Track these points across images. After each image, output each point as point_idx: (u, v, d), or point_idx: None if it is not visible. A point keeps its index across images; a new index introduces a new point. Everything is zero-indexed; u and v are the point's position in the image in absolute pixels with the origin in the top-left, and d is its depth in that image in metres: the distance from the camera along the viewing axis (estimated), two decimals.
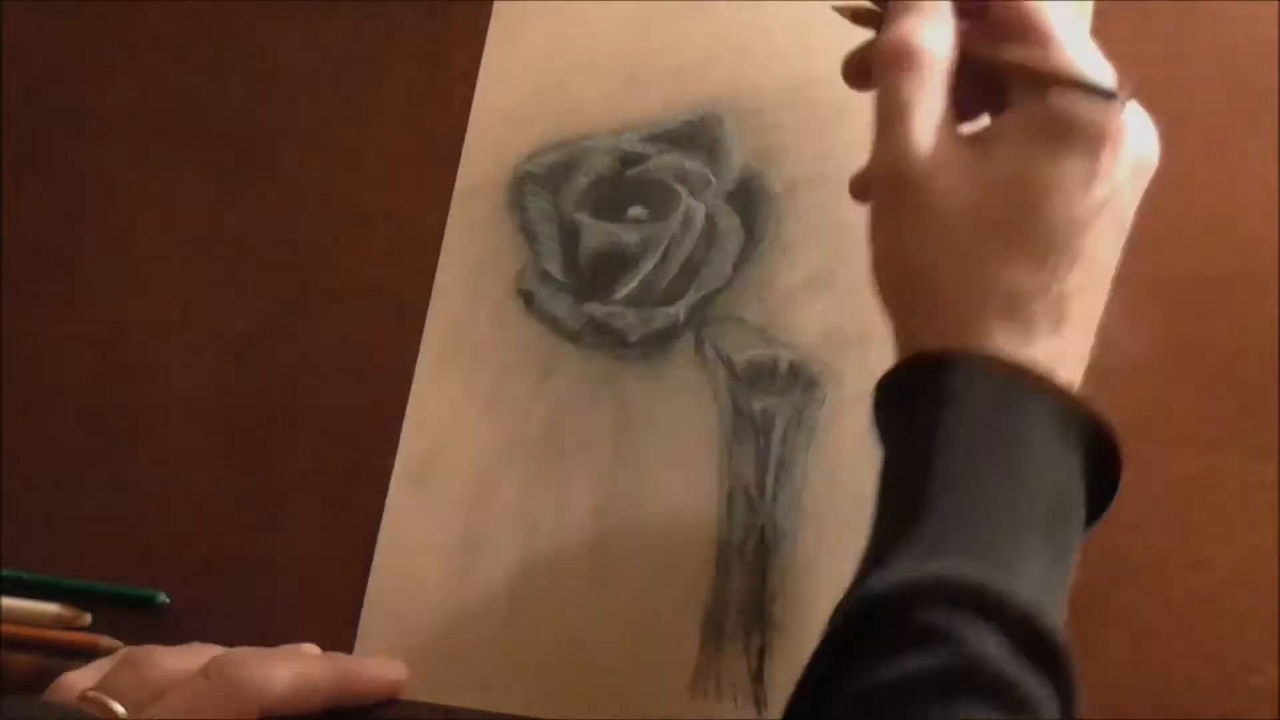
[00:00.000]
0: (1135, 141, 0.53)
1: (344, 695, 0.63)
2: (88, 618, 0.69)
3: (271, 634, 0.66)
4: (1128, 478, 0.58)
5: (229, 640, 0.66)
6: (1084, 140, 0.52)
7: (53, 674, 0.66)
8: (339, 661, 0.65)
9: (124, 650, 0.63)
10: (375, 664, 0.65)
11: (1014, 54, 0.55)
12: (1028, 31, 0.54)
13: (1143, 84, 0.65)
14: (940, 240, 0.53)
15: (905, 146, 0.53)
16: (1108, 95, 0.52)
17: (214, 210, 0.75)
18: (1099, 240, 0.52)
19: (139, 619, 0.69)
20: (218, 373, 0.72)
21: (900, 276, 0.55)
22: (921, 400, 0.51)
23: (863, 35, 0.59)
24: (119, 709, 0.58)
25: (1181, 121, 0.64)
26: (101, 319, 0.74)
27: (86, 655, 0.68)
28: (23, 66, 0.79)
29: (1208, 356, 0.63)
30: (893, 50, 0.54)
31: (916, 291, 0.54)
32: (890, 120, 0.54)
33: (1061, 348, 0.52)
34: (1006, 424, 0.50)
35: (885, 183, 0.55)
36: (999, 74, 0.55)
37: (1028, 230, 0.52)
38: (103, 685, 0.60)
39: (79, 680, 0.61)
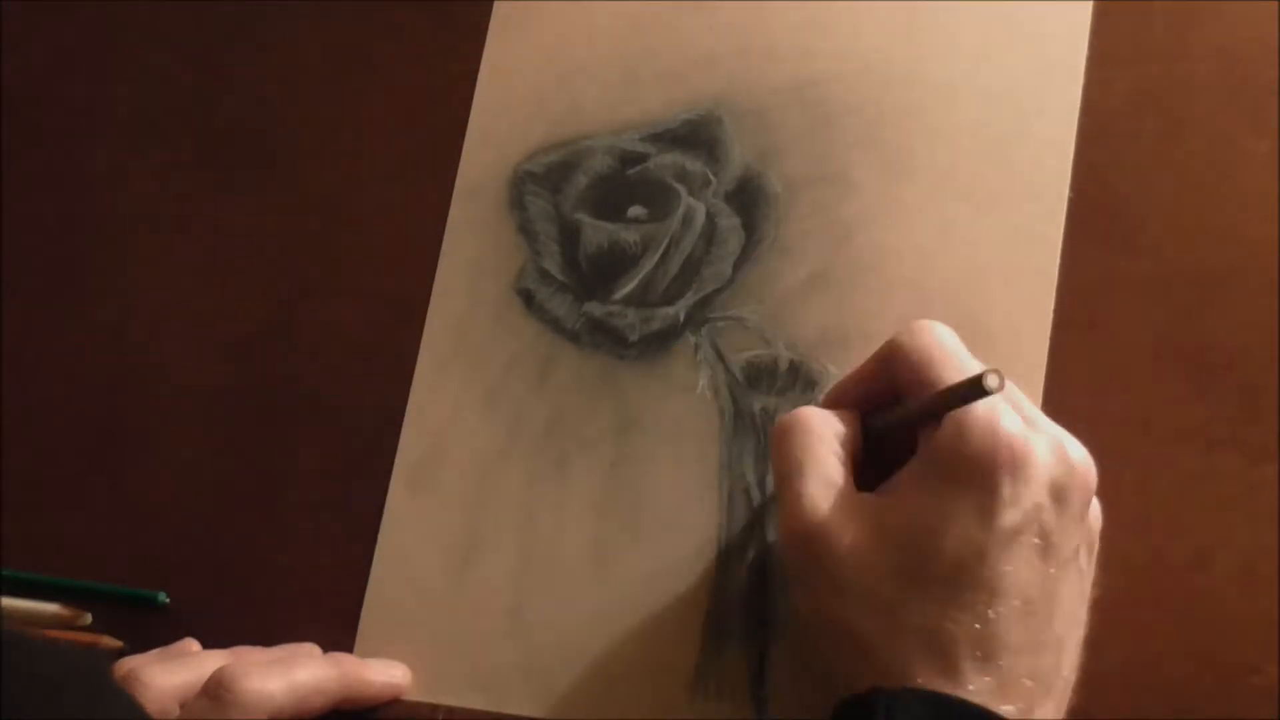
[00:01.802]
0: (1047, 464, 0.53)
1: (347, 697, 0.64)
2: (88, 617, 0.69)
3: (271, 634, 0.66)
4: (1128, 477, 0.58)
5: (229, 640, 0.66)
6: (974, 474, 0.53)
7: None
8: (341, 664, 0.65)
9: (117, 670, 0.63)
10: (377, 666, 0.65)
11: (893, 412, 0.58)
12: (918, 382, 0.56)
13: (1143, 84, 0.66)
14: (851, 592, 0.54)
15: (802, 507, 0.56)
16: (978, 392, 0.52)
17: (214, 210, 0.75)
18: (1018, 569, 0.52)
19: (139, 619, 0.69)
20: (218, 373, 0.72)
21: (823, 629, 0.56)
22: None
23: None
24: None
25: (1181, 121, 0.65)
26: (102, 320, 0.74)
27: None
28: (23, 66, 0.79)
29: (1208, 356, 0.63)
30: (783, 424, 0.58)
31: (841, 642, 0.55)
32: (784, 484, 0.57)
33: (999, 681, 0.52)
34: None
35: (787, 541, 0.57)
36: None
37: (930, 572, 0.53)
38: None
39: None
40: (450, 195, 0.72)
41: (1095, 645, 0.58)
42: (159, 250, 0.75)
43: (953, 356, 0.56)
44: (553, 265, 0.70)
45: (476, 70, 0.73)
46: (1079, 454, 0.54)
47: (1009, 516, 0.52)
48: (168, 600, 0.69)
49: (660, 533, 0.65)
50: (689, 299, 0.68)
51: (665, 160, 0.70)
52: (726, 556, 0.65)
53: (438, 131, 0.73)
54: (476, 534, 0.67)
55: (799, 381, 0.65)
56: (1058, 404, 0.62)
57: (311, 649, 0.66)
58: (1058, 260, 0.64)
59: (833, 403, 0.61)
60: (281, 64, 0.76)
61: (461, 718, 0.65)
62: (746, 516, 0.65)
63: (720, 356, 0.67)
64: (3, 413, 0.73)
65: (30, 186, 0.77)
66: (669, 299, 0.68)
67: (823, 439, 0.57)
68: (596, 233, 0.70)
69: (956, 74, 0.67)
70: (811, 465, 0.57)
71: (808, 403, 0.65)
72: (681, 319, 0.68)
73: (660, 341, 0.68)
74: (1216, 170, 0.64)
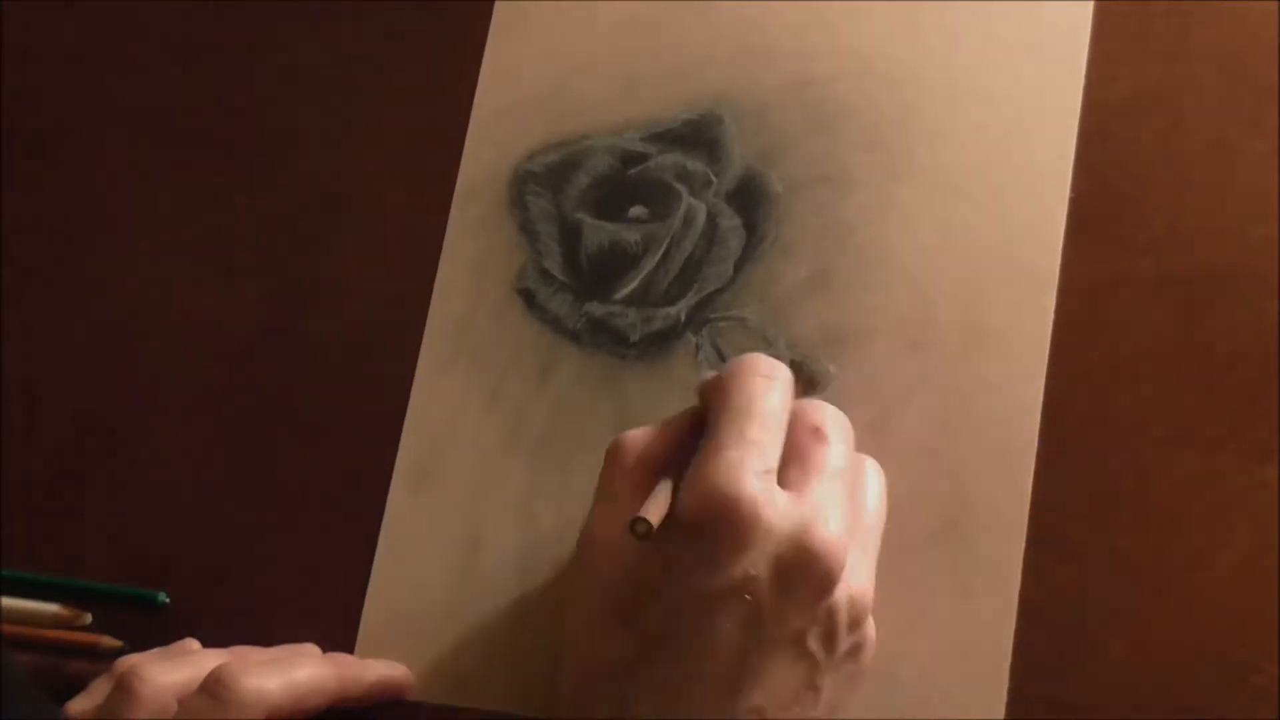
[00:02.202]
0: (774, 542, 0.53)
1: (346, 697, 0.64)
2: (88, 617, 0.69)
3: (272, 634, 0.66)
4: (1128, 477, 0.58)
5: (229, 640, 0.66)
6: (697, 528, 0.53)
7: (53, 674, 0.66)
8: (341, 663, 0.65)
9: (116, 668, 0.63)
10: (376, 666, 0.65)
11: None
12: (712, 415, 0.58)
13: (1143, 84, 0.66)
14: (580, 602, 0.57)
15: (590, 521, 0.59)
16: (635, 521, 0.53)
17: (214, 210, 0.75)
18: (716, 630, 0.53)
19: (139, 619, 0.69)
20: (218, 372, 0.72)
21: (561, 632, 0.59)
22: None
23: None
24: None
25: (1181, 121, 0.65)
26: (101, 319, 0.74)
27: (87, 655, 0.68)
28: (23, 66, 0.79)
29: (1208, 356, 0.63)
30: (610, 446, 0.60)
31: (563, 652, 0.59)
32: (595, 498, 0.59)
33: None
34: None
35: (578, 544, 0.59)
36: None
37: (638, 613, 0.54)
38: (100, 716, 0.60)
39: (74, 705, 0.61)
40: (451, 195, 0.72)
41: (1095, 645, 0.58)
42: (159, 250, 0.74)
43: (743, 409, 0.57)
44: (553, 265, 0.70)
45: (477, 70, 0.73)
46: (826, 541, 0.54)
47: (715, 581, 0.53)
48: (168, 600, 0.69)
49: None
50: (690, 299, 0.68)
51: (666, 160, 0.70)
52: None
53: (438, 131, 0.73)
54: (477, 534, 0.67)
55: (800, 381, 0.65)
56: (1058, 404, 0.62)
57: (311, 649, 0.66)
58: (1058, 260, 0.64)
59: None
60: (282, 64, 0.76)
61: (461, 718, 0.65)
62: None
63: (721, 356, 0.67)
64: (2, 413, 0.73)
65: (30, 186, 0.76)
66: (670, 299, 0.68)
67: (625, 465, 0.58)
68: (597, 233, 0.70)
69: (957, 74, 0.67)
70: (607, 489, 0.58)
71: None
72: (682, 319, 0.68)
73: (661, 341, 0.68)
74: (1216, 170, 0.64)
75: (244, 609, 0.69)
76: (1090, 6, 0.67)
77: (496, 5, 0.74)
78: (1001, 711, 0.59)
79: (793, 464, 0.57)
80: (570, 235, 0.70)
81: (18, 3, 0.79)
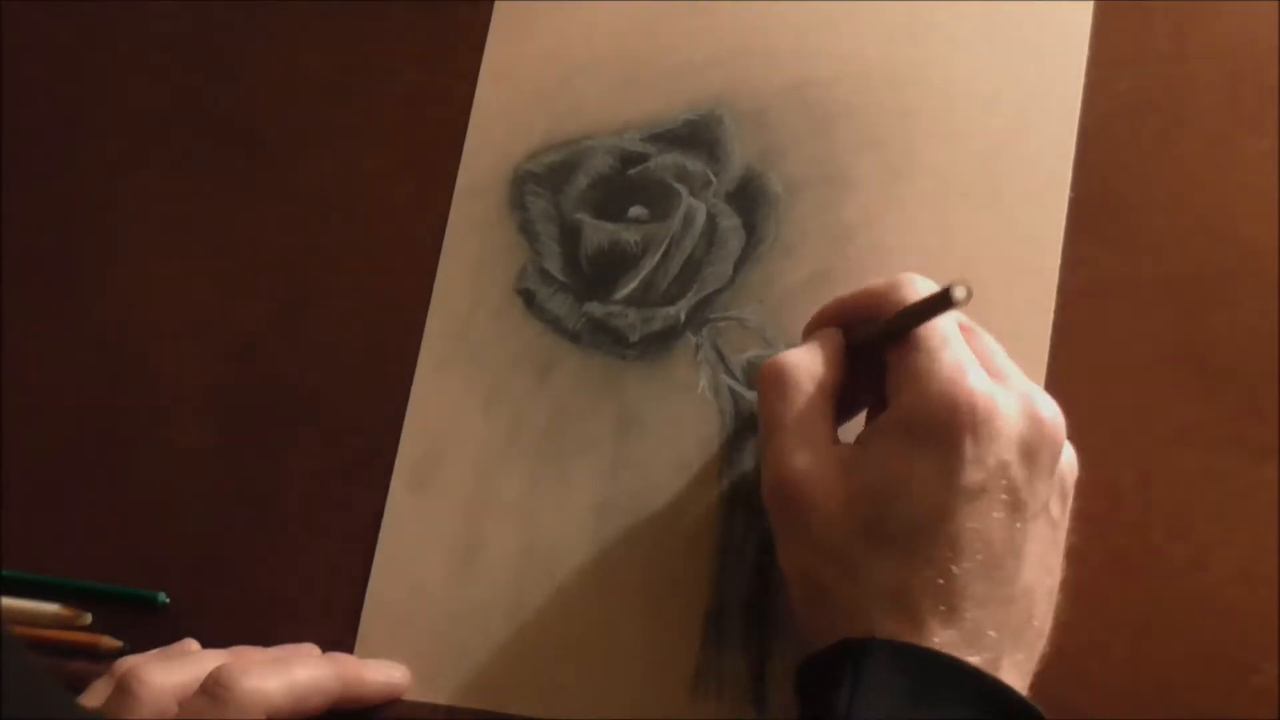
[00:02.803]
0: (1014, 421, 0.54)
1: (346, 697, 0.64)
2: (88, 617, 0.69)
3: (271, 634, 0.66)
4: (1128, 477, 0.58)
5: (229, 640, 0.66)
6: (938, 432, 0.53)
7: (53, 674, 0.66)
8: (341, 663, 0.64)
9: (116, 669, 0.63)
10: (377, 666, 0.65)
11: (867, 328, 0.58)
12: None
13: (1143, 84, 0.66)
14: (819, 545, 0.55)
15: (780, 462, 0.56)
16: (945, 304, 0.52)
17: (214, 210, 0.75)
18: (982, 525, 0.53)
19: (139, 619, 0.69)
20: (218, 373, 0.72)
21: (798, 583, 0.57)
22: (833, 691, 0.52)
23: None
24: None
25: (1181, 121, 0.65)
26: (101, 320, 0.74)
27: (86, 655, 0.68)
28: (23, 66, 0.79)
29: (1208, 356, 0.63)
30: (765, 373, 0.58)
31: (813, 597, 0.56)
32: (767, 437, 0.57)
33: (965, 633, 0.52)
34: (921, 711, 0.51)
35: (768, 495, 0.58)
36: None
37: (894, 530, 0.53)
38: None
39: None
40: (451, 195, 0.72)
41: (1095, 645, 0.58)
42: (159, 250, 0.75)
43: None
44: (553, 265, 0.70)
45: (477, 70, 0.73)
46: (1049, 409, 0.55)
47: (972, 475, 0.52)
48: (168, 600, 0.69)
49: (660, 533, 0.65)
50: (690, 299, 0.68)
51: (666, 160, 0.70)
52: (726, 556, 0.65)
53: (438, 132, 0.73)
54: (477, 534, 0.67)
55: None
56: (1058, 404, 0.62)
57: (310, 649, 0.66)
58: (1058, 260, 0.64)
59: (817, 321, 0.61)
60: (282, 64, 0.76)
61: (462, 718, 0.65)
62: (746, 516, 0.65)
63: (721, 357, 0.67)
64: (3, 413, 0.73)
65: (30, 186, 0.76)
66: (670, 299, 0.68)
67: (802, 389, 0.57)
68: (597, 233, 0.70)
69: (957, 74, 0.67)
70: (791, 419, 0.57)
71: None
72: (682, 319, 0.68)
73: (661, 342, 0.68)
74: (1216, 170, 0.64)
75: (244, 609, 0.69)
76: (1090, 6, 0.67)
77: (496, 6, 0.74)
78: None
79: None
80: (570, 235, 0.70)
81: (18, 3, 0.79)
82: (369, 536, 0.68)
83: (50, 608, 0.69)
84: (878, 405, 0.58)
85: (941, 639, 0.52)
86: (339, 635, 0.67)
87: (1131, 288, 0.64)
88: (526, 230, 0.71)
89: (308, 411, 0.71)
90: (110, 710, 0.60)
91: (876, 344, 0.57)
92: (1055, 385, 0.63)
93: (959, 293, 0.51)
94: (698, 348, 0.67)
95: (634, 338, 0.68)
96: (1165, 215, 0.64)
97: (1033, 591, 0.54)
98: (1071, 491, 0.57)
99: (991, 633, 0.52)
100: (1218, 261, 0.64)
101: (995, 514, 0.53)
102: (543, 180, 0.71)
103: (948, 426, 0.53)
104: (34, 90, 0.78)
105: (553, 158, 0.71)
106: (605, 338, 0.68)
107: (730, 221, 0.68)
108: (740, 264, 0.68)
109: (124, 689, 0.61)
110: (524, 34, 0.73)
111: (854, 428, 0.60)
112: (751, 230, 0.68)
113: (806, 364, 0.58)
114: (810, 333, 0.61)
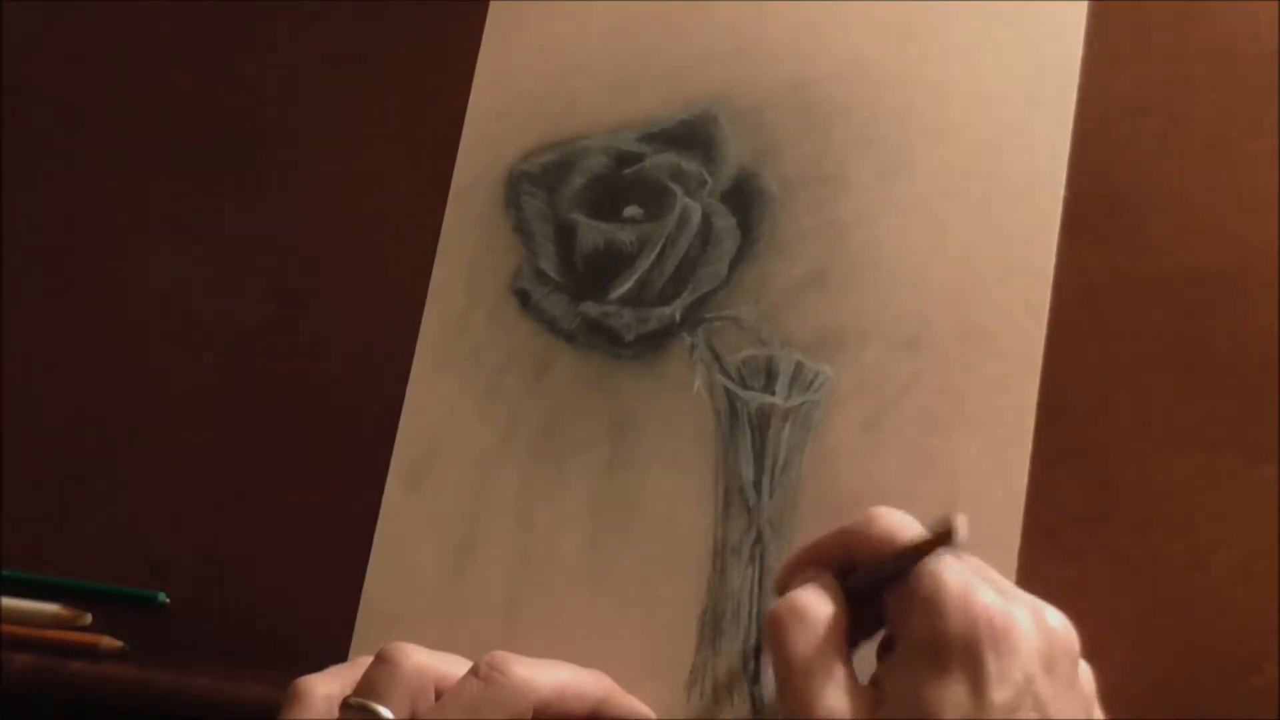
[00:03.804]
0: (1029, 632, 0.52)
1: (605, 711, 0.63)
2: (88, 618, 0.69)
3: (271, 633, 0.67)
4: (1128, 477, 0.58)
5: (229, 640, 0.66)
6: (957, 653, 0.52)
7: (53, 674, 0.67)
8: (603, 679, 0.63)
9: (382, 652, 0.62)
10: (634, 700, 0.64)
11: (866, 573, 0.57)
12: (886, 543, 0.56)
13: (1143, 84, 0.66)
14: None
15: (810, 705, 0.54)
16: (946, 539, 0.52)
17: (213, 210, 0.75)
18: None
19: (139, 619, 0.69)
20: (216, 373, 0.72)
21: None
22: None
23: None
24: (386, 712, 0.58)
25: (1181, 121, 0.65)
26: (101, 319, 0.74)
27: (87, 655, 0.68)
28: (23, 66, 0.79)
29: (1208, 356, 0.62)
30: (782, 614, 0.56)
31: None
32: (789, 680, 0.55)
33: None
34: None
35: None
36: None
37: None
38: (362, 690, 0.59)
39: (323, 686, 0.60)
40: (446, 195, 0.72)
41: (1095, 645, 0.58)
42: (158, 250, 0.75)
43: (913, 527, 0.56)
44: (549, 265, 0.70)
45: (472, 70, 0.73)
46: (1057, 620, 0.54)
47: (1002, 693, 0.51)
48: (168, 600, 0.70)
49: (656, 532, 0.65)
50: (685, 299, 0.68)
51: (661, 160, 0.70)
52: (722, 556, 0.65)
53: (434, 131, 0.73)
54: (472, 533, 0.67)
55: (795, 381, 0.65)
56: (1057, 404, 0.62)
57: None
58: (1053, 259, 0.64)
59: (795, 565, 0.60)
60: (279, 64, 0.76)
61: None
62: (742, 516, 0.65)
63: (716, 356, 0.67)
64: (3, 413, 0.73)
65: (30, 186, 0.77)
66: (665, 299, 0.68)
67: (824, 633, 0.56)
68: (592, 233, 0.70)
69: (952, 74, 0.67)
70: (820, 666, 0.55)
71: (804, 402, 0.65)
72: (677, 319, 0.68)
73: (656, 341, 0.68)
74: (1216, 170, 0.64)
75: (244, 609, 0.69)
76: (1085, 7, 0.67)
77: (491, 6, 0.74)
78: None
79: None
80: (565, 235, 0.70)
81: (18, 3, 0.80)
82: (365, 536, 0.68)
83: (50, 608, 0.69)
84: (864, 639, 0.58)
85: None
86: (336, 634, 0.67)
87: (1131, 288, 0.64)
88: (522, 230, 0.71)
89: (304, 411, 0.71)
90: (372, 681, 0.59)
91: (876, 586, 0.56)
92: (1054, 386, 0.63)
93: (962, 532, 0.51)
94: (693, 347, 0.67)
95: (629, 337, 0.68)
96: (1165, 215, 0.64)
97: None
98: (1097, 709, 0.56)
99: None
100: (1218, 261, 0.63)
101: None
102: (538, 180, 0.71)
103: (968, 645, 0.52)
104: (34, 90, 0.78)
105: (548, 157, 0.71)
106: (600, 337, 0.68)
107: (725, 221, 0.68)
108: (735, 263, 0.68)
109: (385, 660, 0.60)
110: (519, 34, 0.73)
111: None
112: (747, 230, 0.68)
113: (819, 604, 0.56)
114: (791, 574, 0.60)
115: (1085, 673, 0.55)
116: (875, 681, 0.55)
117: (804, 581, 0.58)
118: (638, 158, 0.70)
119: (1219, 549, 0.61)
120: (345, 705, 0.58)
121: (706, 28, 0.71)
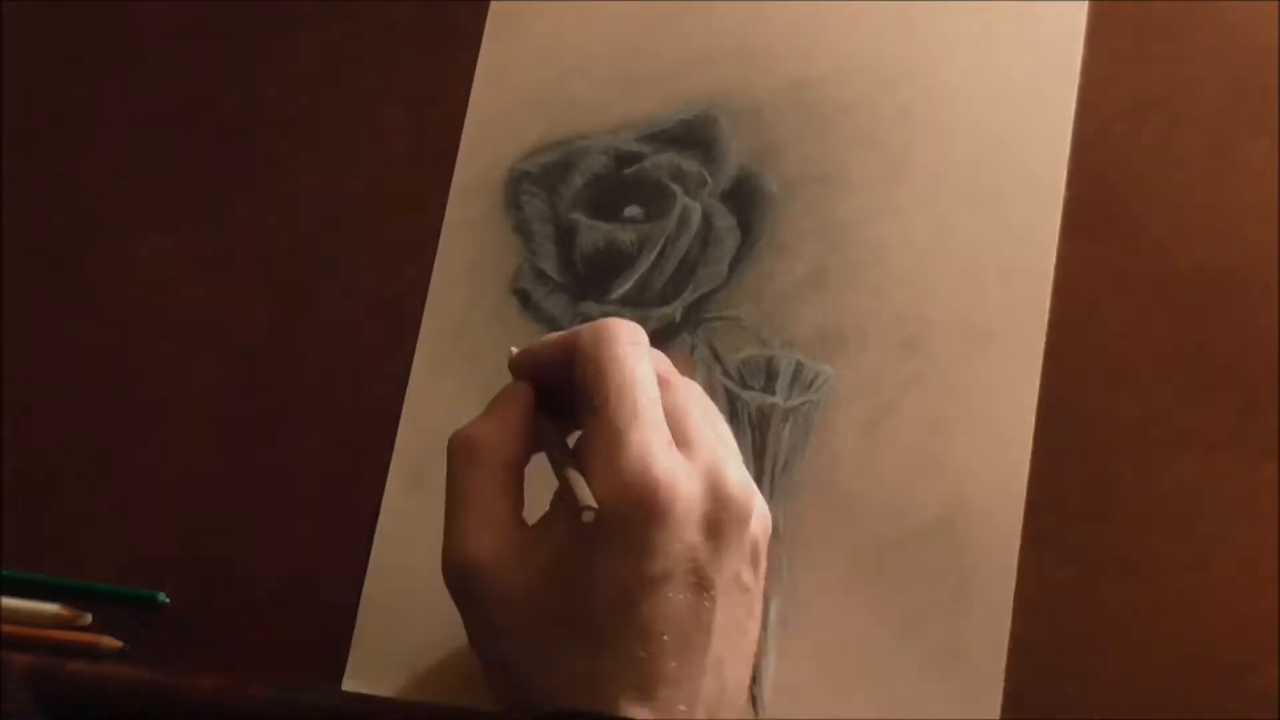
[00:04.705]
0: (698, 502, 0.53)
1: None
2: (88, 618, 0.69)
3: (271, 633, 0.67)
4: (1128, 478, 0.58)
5: (229, 639, 0.66)
6: (622, 521, 0.52)
7: (53, 674, 0.66)
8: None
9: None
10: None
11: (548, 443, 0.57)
12: (593, 394, 0.55)
13: (1143, 84, 0.66)
14: (507, 632, 0.54)
15: (462, 540, 0.55)
16: (583, 510, 0.52)
17: (212, 211, 0.75)
18: (669, 609, 0.52)
19: (139, 619, 0.69)
20: (216, 373, 0.72)
21: (488, 666, 0.57)
22: None
23: None
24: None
25: (1181, 121, 0.65)
26: (101, 319, 0.74)
27: (87, 655, 0.68)
28: (23, 66, 0.79)
29: (1208, 356, 0.63)
30: (451, 447, 0.57)
31: (506, 681, 0.56)
32: (452, 514, 0.56)
33: (656, 711, 0.52)
34: None
35: (448, 574, 0.56)
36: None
37: (580, 617, 0.53)
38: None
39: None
40: (447, 195, 0.72)
41: (1095, 645, 0.58)
42: (158, 250, 0.75)
43: (626, 384, 0.55)
44: (549, 265, 0.70)
45: (473, 71, 0.73)
46: (735, 482, 0.54)
47: (657, 564, 0.52)
48: (168, 600, 0.69)
49: None
50: (685, 299, 0.68)
51: (661, 160, 0.70)
52: None
53: (434, 132, 0.73)
54: None
55: (795, 381, 0.65)
56: (1059, 404, 0.62)
57: None
58: (1053, 259, 0.64)
59: (518, 362, 0.59)
60: (279, 64, 0.76)
61: (457, 717, 0.65)
62: None
63: (716, 356, 0.67)
64: (3, 413, 0.73)
65: (30, 186, 0.77)
66: (665, 299, 0.68)
67: (488, 467, 0.56)
68: (592, 233, 0.70)
69: (952, 74, 0.67)
70: (475, 499, 0.56)
71: (804, 402, 0.65)
72: (678, 319, 0.68)
73: (656, 341, 0.67)
74: (1216, 170, 0.64)
75: (244, 609, 0.69)
76: (1085, 6, 0.67)
77: (492, 6, 0.74)
78: (997, 712, 0.59)
79: None
80: (565, 235, 0.70)
81: (18, 3, 0.79)
82: (366, 536, 0.68)
83: (50, 608, 0.69)
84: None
85: (640, 713, 0.52)
86: (336, 634, 0.67)
87: (1131, 287, 0.64)
88: (522, 230, 0.71)
89: (304, 411, 0.71)
90: None
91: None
92: (1054, 386, 0.63)
93: (587, 516, 0.52)
94: (693, 347, 0.67)
95: None
96: (1165, 215, 0.64)
97: (722, 661, 0.54)
98: (764, 551, 0.57)
99: (682, 707, 0.52)
100: (1218, 261, 0.64)
101: (681, 596, 0.52)
102: (538, 180, 0.71)
103: (631, 517, 0.52)
104: (34, 90, 0.78)
105: (548, 158, 0.71)
106: None
107: (726, 221, 0.68)
108: (736, 264, 0.68)
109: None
110: (519, 34, 0.73)
111: None
112: (747, 230, 0.68)
113: (493, 437, 0.57)
114: (514, 372, 0.60)
115: (760, 520, 0.56)
116: (543, 522, 0.56)
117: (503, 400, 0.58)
118: (638, 158, 0.70)
119: (1219, 549, 0.61)
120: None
121: (707, 28, 0.71)
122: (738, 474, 0.55)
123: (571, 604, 0.53)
